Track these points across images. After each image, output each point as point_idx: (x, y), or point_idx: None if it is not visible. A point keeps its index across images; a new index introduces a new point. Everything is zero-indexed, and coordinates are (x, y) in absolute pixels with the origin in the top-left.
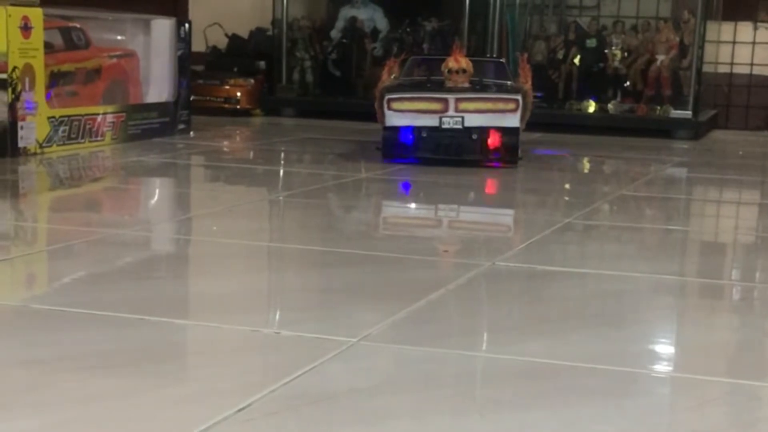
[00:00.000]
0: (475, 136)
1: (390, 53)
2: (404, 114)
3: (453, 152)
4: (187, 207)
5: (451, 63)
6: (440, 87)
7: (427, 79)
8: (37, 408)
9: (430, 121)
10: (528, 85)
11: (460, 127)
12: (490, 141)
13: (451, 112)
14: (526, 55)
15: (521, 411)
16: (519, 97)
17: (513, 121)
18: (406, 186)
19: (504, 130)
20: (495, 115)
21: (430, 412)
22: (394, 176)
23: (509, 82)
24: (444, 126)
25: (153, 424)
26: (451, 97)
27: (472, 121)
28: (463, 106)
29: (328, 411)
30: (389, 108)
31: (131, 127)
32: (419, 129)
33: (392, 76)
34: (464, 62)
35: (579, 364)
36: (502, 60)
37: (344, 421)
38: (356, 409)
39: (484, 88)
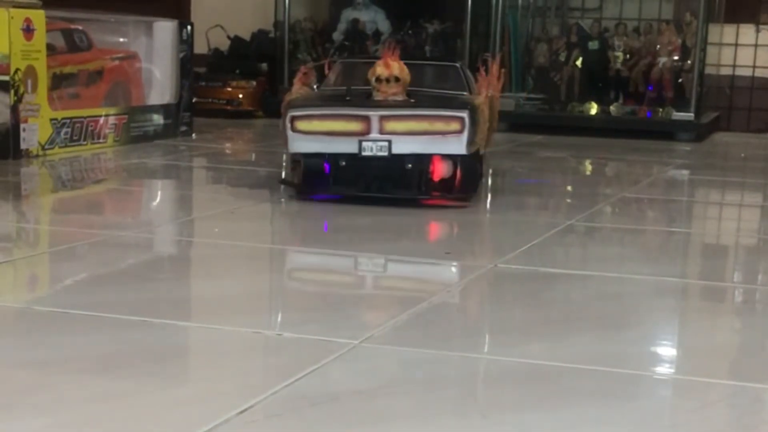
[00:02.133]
0: (409, 166)
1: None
2: (313, 137)
3: (377, 187)
4: (188, 209)
5: (380, 69)
6: (365, 101)
7: (348, 91)
8: (39, 409)
9: (347, 146)
10: (484, 97)
11: (385, 154)
12: (433, 172)
13: (374, 135)
14: (498, 58)
15: (523, 412)
16: (464, 115)
17: (456, 146)
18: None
19: (448, 159)
20: (432, 139)
21: (433, 414)
22: None
23: (465, 93)
24: (365, 153)
25: (155, 425)
26: (373, 115)
27: (403, 146)
28: (389, 126)
29: (330, 412)
30: (294, 129)
31: (133, 128)
32: (335, 156)
33: (313, 87)
34: (397, 68)
35: (581, 366)
36: (457, 64)
37: (346, 422)
38: (358, 411)
39: (420, 103)
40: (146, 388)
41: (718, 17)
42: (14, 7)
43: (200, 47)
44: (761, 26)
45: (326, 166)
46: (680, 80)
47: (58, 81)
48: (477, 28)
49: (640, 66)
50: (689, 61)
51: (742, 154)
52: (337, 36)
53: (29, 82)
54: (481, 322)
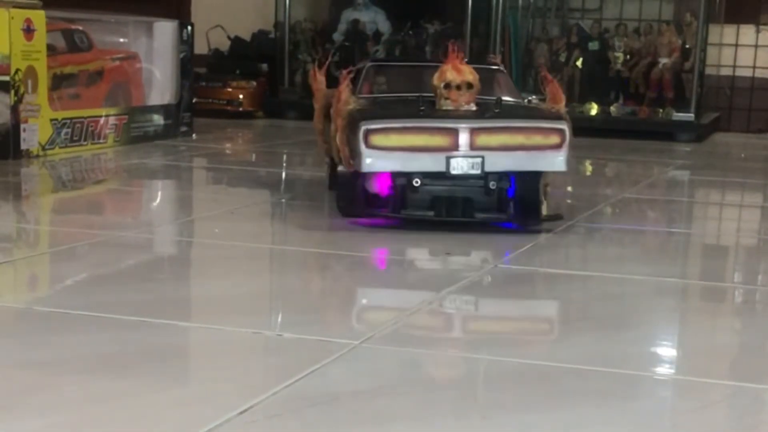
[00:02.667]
0: (493, 185)
1: (392, 56)
2: (392, 153)
3: (461, 212)
4: (189, 209)
5: (450, 74)
6: (448, 111)
7: (419, 99)
8: (40, 409)
9: (433, 163)
10: (564, 106)
11: (478, 172)
12: (520, 192)
13: (464, 150)
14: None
15: (523, 413)
16: (565, 127)
17: (556, 162)
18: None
19: (531, 176)
20: (529, 155)
21: (433, 414)
22: None
23: (526, 101)
24: (454, 171)
25: (155, 425)
26: (463, 127)
27: (496, 163)
28: (481, 140)
29: (330, 413)
30: (368, 144)
31: (133, 129)
32: (406, 175)
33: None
34: (469, 73)
35: (581, 366)
36: (501, 67)
37: (346, 423)
38: (358, 411)
39: (511, 113)
40: (146, 388)
41: (718, 18)
42: (15, 7)
43: (200, 48)
44: (761, 27)
45: (389, 184)
46: (681, 81)
47: (58, 81)
48: (477, 28)
49: (640, 66)
50: (689, 62)
51: (743, 155)
52: (337, 36)
53: (29, 82)
54: (481, 322)
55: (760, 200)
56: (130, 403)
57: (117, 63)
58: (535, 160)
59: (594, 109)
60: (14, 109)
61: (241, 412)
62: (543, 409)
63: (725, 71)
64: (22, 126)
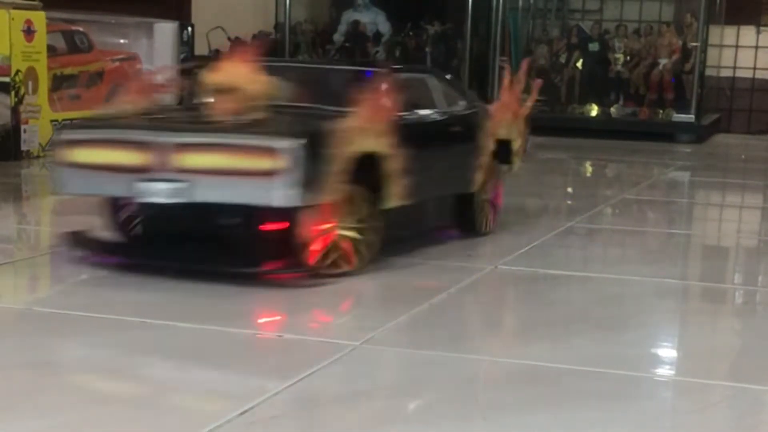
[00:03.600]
0: (224, 221)
1: (393, 57)
2: (80, 172)
3: (184, 256)
4: None
5: (210, 75)
6: (157, 120)
7: (158, 108)
8: (41, 410)
9: (120, 187)
10: (512, 112)
11: (183, 200)
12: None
13: (164, 172)
14: (526, 64)
15: (524, 414)
16: (283, 146)
17: (268, 194)
18: None
19: (279, 213)
20: (239, 182)
21: (433, 416)
22: None
23: (348, 111)
24: (149, 198)
25: (156, 426)
26: (163, 142)
27: (208, 191)
28: (185, 160)
29: (330, 414)
30: (60, 160)
31: None
32: (144, 204)
33: (161, 101)
34: (236, 74)
35: (582, 367)
36: (433, 72)
37: (347, 424)
38: (359, 413)
39: (232, 125)
40: (146, 389)
41: (718, 19)
42: (15, 8)
43: (201, 49)
44: (762, 28)
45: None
46: (681, 82)
47: (58, 82)
48: (477, 29)
49: (640, 68)
50: (690, 63)
51: (743, 156)
52: (337, 38)
53: (30, 83)
54: (481, 323)
55: (760, 201)
56: (130, 404)
57: (117, 64)
58: (245, 189)
59: (594, 111)
60: (15, 111)
61: (242, 413)
62: (544, 410)
63: (725, 72)
64: (23, 127)
